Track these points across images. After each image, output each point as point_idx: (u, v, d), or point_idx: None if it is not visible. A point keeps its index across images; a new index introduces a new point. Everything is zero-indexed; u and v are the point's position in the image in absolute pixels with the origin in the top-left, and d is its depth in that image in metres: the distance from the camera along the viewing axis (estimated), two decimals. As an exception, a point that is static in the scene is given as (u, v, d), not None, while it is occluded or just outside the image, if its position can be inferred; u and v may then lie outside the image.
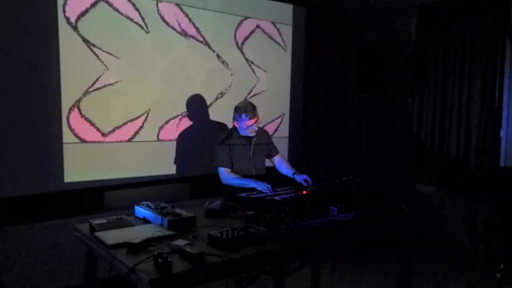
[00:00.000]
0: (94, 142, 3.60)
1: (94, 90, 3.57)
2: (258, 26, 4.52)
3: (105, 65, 3.60)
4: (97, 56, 3.56)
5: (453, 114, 4.78)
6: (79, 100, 3.50)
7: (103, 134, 3.64)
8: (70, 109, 3.48)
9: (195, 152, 4.15)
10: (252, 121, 3.25)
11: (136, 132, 3.82)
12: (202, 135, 4.15)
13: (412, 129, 5.18)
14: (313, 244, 2.37)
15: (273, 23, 4.64)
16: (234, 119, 3.30)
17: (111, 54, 3.62)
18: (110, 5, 3.59)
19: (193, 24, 4.06)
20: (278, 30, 4.69)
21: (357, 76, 4.91)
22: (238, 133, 3.33)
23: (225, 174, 3.28)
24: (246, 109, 3.24)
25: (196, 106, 4.15)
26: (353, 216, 2.59)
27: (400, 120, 5.36)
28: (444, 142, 4.88)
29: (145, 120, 3.87)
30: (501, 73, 4.48)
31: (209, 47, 4.19)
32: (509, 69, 4.50)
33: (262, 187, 3.05)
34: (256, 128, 3.34)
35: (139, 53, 3.78)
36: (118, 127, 3.73)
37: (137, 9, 3.72)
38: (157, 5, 3.82)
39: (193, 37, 4.07)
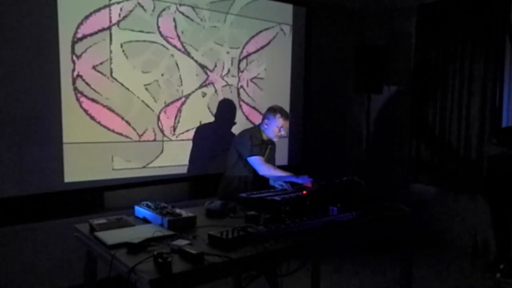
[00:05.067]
0: (94, 142, 3.60)
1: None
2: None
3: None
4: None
5: (453, 114, 4.78)
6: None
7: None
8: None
9: (198, 151, 4.15)
10: (286, 122, 3.33)
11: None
12: (214, 136, 4.20)
13: (412, 129, 5.18)
14: (313, 244, 2.37)
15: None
16: (267, 118, 3.33)
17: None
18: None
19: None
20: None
21: (357, 76, 4.91)
22: (261, 136, 3.36)
23: (263, 164, 3.24)
24: (282, 110, 3.33)
25: (223, 108, 4.24)
26: (353, 216, 2.59)
27: (400, 120, 5.35)
28: (445, 142, 4.88)
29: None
30: (501, 73, 4.47)
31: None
32: (509, 69, 4.50)
33: (302, 180, 3.04)
34: (283, 133, 3.40)
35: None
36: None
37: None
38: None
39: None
